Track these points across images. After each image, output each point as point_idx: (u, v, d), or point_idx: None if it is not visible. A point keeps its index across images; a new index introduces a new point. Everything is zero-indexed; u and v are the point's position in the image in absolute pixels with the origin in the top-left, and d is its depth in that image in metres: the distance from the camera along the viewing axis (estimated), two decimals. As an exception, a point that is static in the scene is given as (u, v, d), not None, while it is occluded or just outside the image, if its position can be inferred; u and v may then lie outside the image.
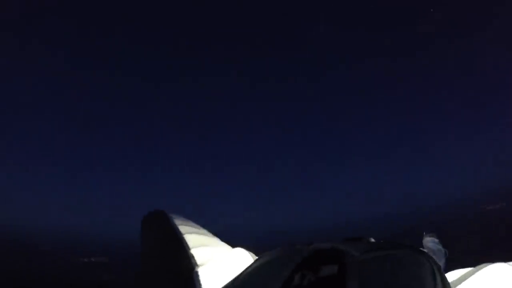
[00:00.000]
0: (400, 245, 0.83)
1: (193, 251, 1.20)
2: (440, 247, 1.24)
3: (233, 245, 1.44)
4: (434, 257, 0.83)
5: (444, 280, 0.76)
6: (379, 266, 0.70)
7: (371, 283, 0.65)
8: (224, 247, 1.39)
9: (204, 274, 1.11)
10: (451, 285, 0.75)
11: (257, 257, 1.14)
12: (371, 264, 0.69)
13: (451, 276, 1.17)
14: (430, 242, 1.25)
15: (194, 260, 1.18)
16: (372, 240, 1.08)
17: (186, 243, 1.25)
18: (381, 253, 0.73)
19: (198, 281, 1.08)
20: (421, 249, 0.97)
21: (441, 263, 1.02)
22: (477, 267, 1.13)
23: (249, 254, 1.31)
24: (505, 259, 1.28)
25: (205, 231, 1.45)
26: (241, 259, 1.27)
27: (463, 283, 1.11)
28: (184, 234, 1.30)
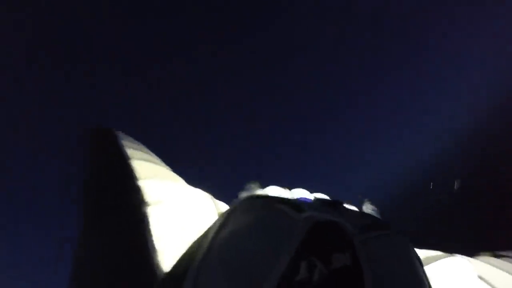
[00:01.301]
0: (381, 221, 0.83)
1: (146, 185, 0.94)
2: (378, 214, 1.30)
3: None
4: None
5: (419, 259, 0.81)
6: (382, 248, 0.71)
7: (381, 270, 0.64)
8: (181, 183, 1.15)
9: (158, 214, 0.89)
10: None
11: (222, 206, 1.07)
12: (375, 247, 0.69)
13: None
14: (369, 210, 1.30)
15: (147, 196, 0.92)
16: (348, 205, 1.08)
17: (138, 175, 0.97)
18: (377, 233, 0.73)
19: (150, 222, 0.85)
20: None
21: None
22: (439, 254, 1.13)
23: (211, 198, 1.12)
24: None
25: (159, 160, 1.19)
26: (202, 202, 1.08)
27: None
28: (136, 161, 1.03)
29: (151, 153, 1.15)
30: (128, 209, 0.84)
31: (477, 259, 1.17)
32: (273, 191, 1.34)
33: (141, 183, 0.89)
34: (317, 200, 0.88)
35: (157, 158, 1.15)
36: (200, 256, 0.65)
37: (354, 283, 0.59)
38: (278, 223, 0.70)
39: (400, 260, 0.73)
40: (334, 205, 0.83)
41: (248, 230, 0.70)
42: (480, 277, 1.06)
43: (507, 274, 1.07)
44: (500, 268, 1.09)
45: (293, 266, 0.58)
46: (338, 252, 0.62)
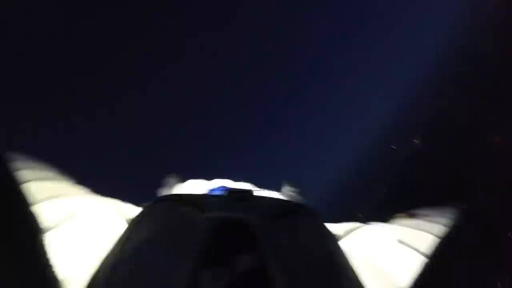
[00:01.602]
0: (293, 204, 0.83)
1: (42, 208, 0.84)
2: (298, 195, 1.32)
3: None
4: None
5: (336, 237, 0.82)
6: (292, 236, 0.71)
7: (292, 260, 0.65)
8: (85, 196, 1.06)
9: (58, 239, 0.81)
10: None
11: (131, 212, 1.02)
12: (285, 237, 0.69)
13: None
14: (289, 191, 1.31)
15: (43, 221, 0.79)
16: (256, 191, 1.06)
17: (32, 199, 0.81)
18: (287, 220, 0.74)
19: (48, 251, 0.73)
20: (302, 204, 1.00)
21: None
22: (356, 225, 1.17)
23: (117, 207, 1.04)
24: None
25: (59, 175, 1.07)
26: (107, 214, 1.00)
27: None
28: (31, 183, 0.89)
29: (45, 167, 1.06)
30: (21, 241, 0.75)
31: (394, 222, 1.21)
32: (191, 185, 1.32)
33: (36, 207, 0.81)
34: (227, 193, 0.85)
35: (53, 171, 1.06)
36: (106, 277, 0.63)
37: (264, 284, 0.58)
38: (180, 230, 0.70)
39: (313, 245, 0.74)
40: (244, 196, 0.81)
41: (150, 243, 0.68)
42: (400, 241, 1.10)
43: (424, 233, 1.11)
44: (417, 228, 1.14)
45: (196, 277, 0.57)
46: (244, 253, 0.62)
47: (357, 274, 0.74)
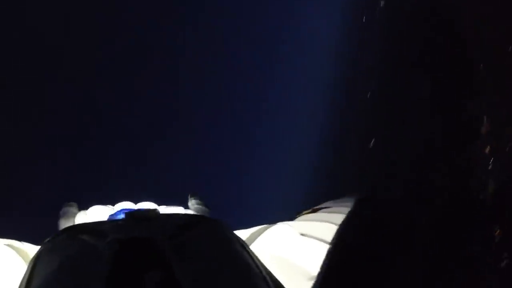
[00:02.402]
0: (194, 217, 0.84)
1: None
2: (204, 207, 1.34)
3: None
4: None
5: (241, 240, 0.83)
6: (197, 247, 0.72)
7: (201, 271, 0.66)
8: None
9: None
10: None
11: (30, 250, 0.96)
12: (190, 249, 0.70)
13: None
14: (195, 205, 1.33)
15: None
16: (160, 209, 1.05)
17: None
18: (190, 233, 0.75)
19: None
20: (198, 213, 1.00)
21: None
22: (262, 227, 1.21)
23: (12, 247, 0.94)
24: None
25: None
26: (7, 260, 0.90)
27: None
28: None
29: None
30: None
31: (298, 220, 1.29)
32: (94, 212, 1.27)
33: None
34: (128, 215, 0.84)
35: None
36: None
37: None
38: (82, 259, 0.67)
39: (218, 251, 0.76)
40: (144, 216, 0.81)
41: (53, 279, 0.64)
42: (302, 234, 1.17)
43: (323, 223, 1.20)
44: (317, 220, 1.23)
45: None
46: (151, 270, 0.61)
47: (267, 271, 0.78)
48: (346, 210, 1.21)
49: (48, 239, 0.77)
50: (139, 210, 1.08)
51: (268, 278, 0.76)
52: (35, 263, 0.70)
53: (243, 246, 0.83)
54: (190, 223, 0.80)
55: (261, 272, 0.76)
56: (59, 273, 0.65)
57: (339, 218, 1.18)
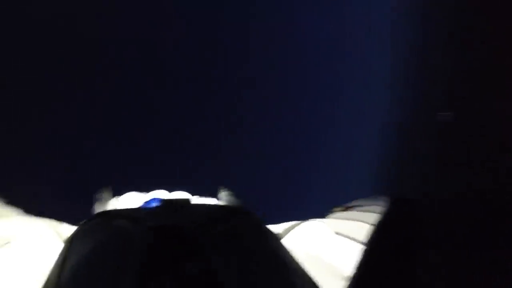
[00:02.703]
0: (230, 208, 0.83)
1: None
2: (234, 199, 1.34)
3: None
4: None
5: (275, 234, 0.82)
6: (232, 240, 0.70)
7: (235, 264, 0.63)
8: (16, 217, 0.97)
9: None
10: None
11: (67, 231, 0.96)
12: (224, 241, 0.68)
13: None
14: (225, 196, 1.32)
15: None
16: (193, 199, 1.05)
17: None
18: (225, 224, 0.73)
19: None
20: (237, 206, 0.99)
21: None
22: (295, 223, 1.19)
23: (52, 226, 0.94)
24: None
25: None
26: (43, 234, 0.90)
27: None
28: None
29: None
30: None
31: (330, 217, 1.26)
32: (127, 199, 1.28)
33: None
34: (163, 203, 0.83)
35: None
36: None
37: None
38: (116, 245, 0.66)
39: (255, 244, 0.74)
40: (179, 204, 0.81)
41: (88, 261, 0.64)
42: (337, 232, 1.15)
43: (357, 222, 1.17)
44: (351, 219, 1.20)
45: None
46: (187, 261, 0.60)
47: (303, 268, 0.76)
48: (380, 209, 1.17)
49: (83, 222, 0.77)
50: (174, 198, 1.07)
51: (304, 275, 0.74)
52: (70, 245, 0.71)
53: (278, 240, 0.82)
54: (227, 214, 0.79)
55: (297, 269, 0.74)
56: (92, 257, 0.64)
57: (373, 217, 1.14)
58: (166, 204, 0.83)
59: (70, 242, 0.71)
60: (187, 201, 0.84)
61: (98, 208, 1.22)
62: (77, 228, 0.75)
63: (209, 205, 0.95)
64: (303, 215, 1.23)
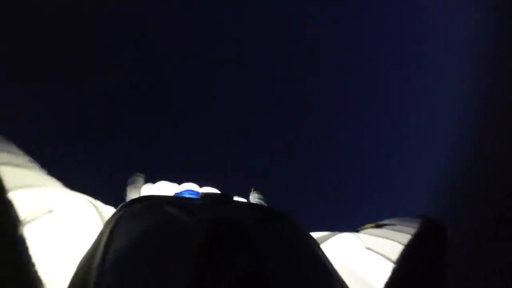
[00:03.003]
0: (273, 209, 0.83)
1: (17, 197, 0.69)
2: (264, 203, 1.32)
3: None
4: None
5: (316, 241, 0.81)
6: (280, 240, 0.70)
7: (284, 264, 0.63)
8: (58, 189, 0.93)
9: (37, 235, 0.68)
10: None
11: (105, 210, 0.96)
12: (274, 241, 0.68)
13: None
14: (256, 199, 1.32)
15: (19, 212, 0.67)
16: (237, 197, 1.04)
17: (6, 185, 0.70)
18: (272, 224, 0.73)
19: (29, 247, 0.62)
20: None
21: None
22: (328, 234, 1.18)
23: (91, 203, 0.93)
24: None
25: (29, 162, 0.92)
26: (82, 210, 0.90)
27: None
28: (2, 168, 0.74)
29: (19, 152, 0.93)
30: None
31: (362, 232, 1.25)
32: (162, 186, 1.26)
33: (11, 195, 0.70)
34: (206, 196, 0.82)
35: (26, 158, 0.94)
36: (91, 282, 0.56)
37: (263, 285, 0.57)
38: (171, 231, 0.65)
39: (301, 248, 0.73)
40: (224, 199, 0.80)
41: (140, 245, 0.62)
42: (368, 248, 1.14)
43: (389, 240, 1.16)
44: (383, 237, 1.18)
45: (198, 279, 0.54)
46: (241, 254, 0.59)
47: (341, 278, 0.75)
48: (413, 231, 1.16)
49: (125, 204, 0.76)
50: (215, 192, 1.06)
51: (344, 285, 0.73)
52: (115, 226, 0.68)
53: (321, 248, 0.81)
54: (272, 214, 0.78)
55: (338, 278, 0.73)
56: (144, 241, 0.63)
57: (405, 238, 1.13)
58: (209, 197, 0.81)
59: (116, 223, 0.69)
60: (230, 196, 0.83)
61: (131, 192, 1.21)
62: (121, 210, 0.73)
63: (251, 203, 0.94)
64: (336, 227, 1.23)
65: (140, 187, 1.24)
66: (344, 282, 0.74)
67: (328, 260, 0.77)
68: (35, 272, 0.60)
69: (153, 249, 0.61)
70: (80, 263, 0.63)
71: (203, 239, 0.60)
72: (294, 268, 0.65)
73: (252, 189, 1.36)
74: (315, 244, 0.80)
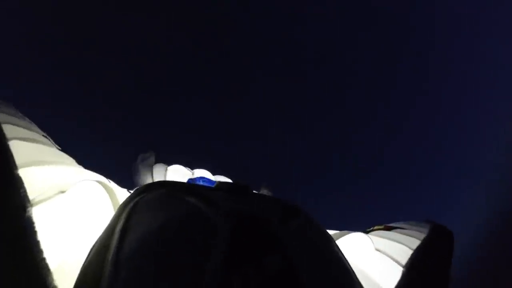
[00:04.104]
0: (293, 205, 0.80)
1: (28, 175, 0.66)
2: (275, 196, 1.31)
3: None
4: None
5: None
6: (304, 238, 0.68)
7: (310, 263, 0.60)
8: (71, 166, 0.88)
9: (46, 218, 0.64)
10: None
11: (119, 193, 0.92)
12: (299, 239, 0.65)
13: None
14: (267, 193, 1.30)
15: (29, 192, 0.64)
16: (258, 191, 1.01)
17: (17, 162, 0.66)
18: (295, 221, 0.69)
19: (36, 231, 0.59)
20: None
21: None
22: (338, 233, 1.16)
23: (103, 185, 0.87)
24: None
25: (43, 137, 0.87)
26: (95, 191, 0.85)
27: None
28: (14, 142, 0.70)
29: (32, 126, 0.88)
30: (5, 213, 0.60)
31: (372, 234, 1.23)
32: (176, 171, 1.23)
33: (22, 172, 0.66)
34: (223, 185, 0.77)
35: (40, 132, 0.89)
36: (106, 274, 0.54)
37: (292, 285, 0.54)
38: (195, 226, 0.60)
39: (323, 245, 0.71)
40: (243, 190, 0.76)
41: (161, 233, 0.58)
42: (377, 249, 1.13)
43: (398, 243, 1.15)
44: (393, 240, 1.17)
45: (225, 279, 0.51)
46: (269, 253, 0.56)
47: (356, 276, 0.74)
48: (421, 235, 1.14)
49: (142, 189, 0.71)
50: (232, 182, 1.03)
51: (361, 286, 0.72)
52: (132, 212, 0.64)
53: (338, 246, 0.79)
54: (292, 210, 0.75)
55: (357, 279, 0.72)
56: (167, 232, 0.58)
57: (414, 242, 1.12)
58: (228, 187, 0.76)
59: (132, 210, 0.65)
60: (247, 187, 0.79)
61: (144, 171, 1.17)
62: (138, 196, 0.70)
63: (268, 196, 0.91)
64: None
65: (152, 166, 1.21)
66: (360, 284, 0.72)
67: (347, 261, 0.75)
68: (43, 260, 0.58)
69: (173, 244, 0.57)
70: (92, 252, 0.60)
71: (229, 236, 0.57)
72: (322, 267, 0.63)
73: (262, 185, 1.33)
74: (334, 242, 0.78)
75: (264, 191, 1.31)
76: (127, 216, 0.64)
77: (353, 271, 0.71)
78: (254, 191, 1.09)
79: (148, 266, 0.53)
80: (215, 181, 0.91)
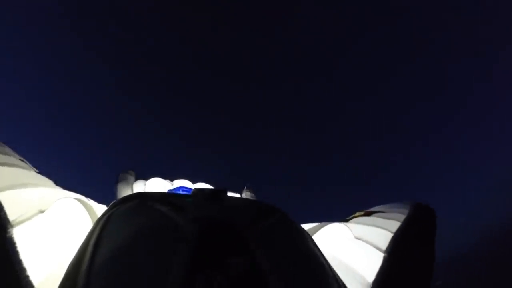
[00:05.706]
0: (266, 205, 0.82)
1: (5, 198, 0.68)
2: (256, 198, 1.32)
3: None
4: None
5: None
6: (276, 237, 0.70)
7: (280, 261, 0.63)
8: (48, 187, 0.91)
9: (26, 237, 0.67)
10: None
11: (96, 208, 0.94)
12: (270, 238, 0.67)
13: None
14: (249, 194, 1.31)
15: (8, 213, 0.67)
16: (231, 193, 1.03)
17: None
18: (267, 221, 0.71)
19: (18, 250, 0.62)
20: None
21: None
22: (319, 225, 1.18)
23: (81, 202, 0.90)
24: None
25: (19, 160, 0.91)
26: (73, 209, 0.87)
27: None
28: None
29: (8, 151, 0.91)
30: None
31: (352, 222, 1.25)
32: (155, 183, 1.26)
33: (1, 196, 0.70)
34: (198, 192, 0.80)
35: (17, 156, 0.93)
36: (81, 283, 0.57)
37: (258, 286, 0.56)
38: (163, 232, 0.64)
39: (295, 245, 0.74)
40: (218, 196, 0.78)
41: (131, 245, 0.62)
42: (357, 237, 1.15)
43: (378, 228, 1.16)
44: (372, 225, 1.19)
45: (189, 281, 0.54)
46: (234, 255, 0.59)
47: (334, 271, 0.76)
48: (401, 217, 1.16)
49: (117, 201, 0.75)
50: (208, 188, 1.05)
51: (338, 279, 0.74)
52: (105, 225, 0.68)
53: (313, 241, 0.81)
54: (266, 212, 0.77)
55: (333, 272, 0.74)
56: (134, 242, 0.62)
57: (394, 225, 1.14)
58: (203, 194, 0.79)
59: (106, 222, 0.68)
60: (223, 192, 0.81)
61: (122, 188, 1.20)
62: (113, 208, 0.73)
63: (245, 199, 0.93)
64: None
65: (132, 184, 1.24)
66: (337, 276, 0.75)
67: (322, 254, 0.77)
68: (26, 277, 0.61)
69: (143, 251, 0.60)
70: (69, 265, 0.63)
71: (196, 241, 0.60)
72: (290, 266, 0.65)
73: (245, 187, 1.35)
74: (309, 239, 0.80)
75: (247, 194, 1.33)
76: (101, 228, 0.67)
77: (328, 265, 0.74)
78: (233, 195, 1.11)
79: (116, 276, 0.56)
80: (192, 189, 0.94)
